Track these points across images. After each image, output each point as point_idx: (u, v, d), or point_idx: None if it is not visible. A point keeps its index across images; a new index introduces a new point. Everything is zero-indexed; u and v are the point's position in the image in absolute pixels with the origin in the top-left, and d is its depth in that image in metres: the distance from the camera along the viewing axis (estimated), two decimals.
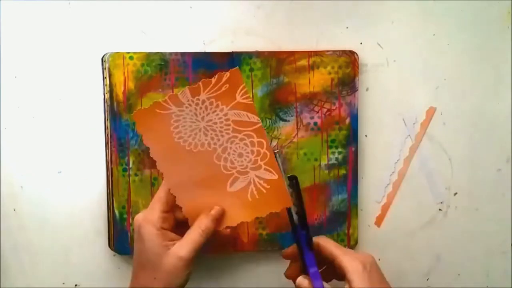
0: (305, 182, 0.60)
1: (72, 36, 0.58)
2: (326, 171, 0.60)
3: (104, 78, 0.58)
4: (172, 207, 0.52)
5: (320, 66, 0.59)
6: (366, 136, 0.61)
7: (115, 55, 0.57)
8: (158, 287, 0.49)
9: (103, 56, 0.58)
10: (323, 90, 0.59)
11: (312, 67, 0.59)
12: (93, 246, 0.60)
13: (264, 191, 0.52)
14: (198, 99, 0.50)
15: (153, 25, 0.59)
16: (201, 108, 0.50)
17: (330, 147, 0.60)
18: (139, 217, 0.51)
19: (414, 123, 0.62)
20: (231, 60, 0.58)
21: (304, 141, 0.60)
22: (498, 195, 0.63)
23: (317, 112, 0.59)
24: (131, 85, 0.58)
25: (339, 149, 0.60)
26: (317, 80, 0.59)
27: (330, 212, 0.60)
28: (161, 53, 0.58)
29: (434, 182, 0.62)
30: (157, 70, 0.58)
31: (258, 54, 0.58)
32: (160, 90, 0.58)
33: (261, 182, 0.52)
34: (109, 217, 0.59)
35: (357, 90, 0.59)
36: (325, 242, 0.52)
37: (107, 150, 0.58)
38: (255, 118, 0.51)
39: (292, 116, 0.59)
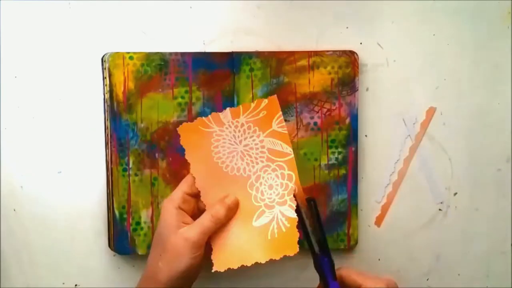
0: (305, 182, 0.60)
1: (72, 36, 0.58)
2: (326, 171, 0.60)
3: (104, 78, 0.58)
4: (196, 194, 0.52)
5: (320, 66, 0.59)
6: (366, 136, 0.61)
7: (115, 55, 0.57)
8: (162, 266, 0.49)
9: (103, 56, 0.58)
10: (323, 90, 0.59)
11: (312, 67, 0.59)
12: (93, 246, 0.60)
13: (284, 229, 0.52)
14: (237, 122, 0.52)
15: (153, 25, 0.59)
16: (239, 131, 0.52)
17: (330, 147, 0.60)
18: (165, 198, 0.52)
19: (414, 123, 0.62)
20: (231, 60, 0.58)
21: (304, 141, 0.60)
22: (498, 195, 0.63)
23: (317, 112, 0.59)
24: (131, 85, 0.58)
25: (339, 149, 0.60)
26: (317, 80, 0.59)
27: (330, 212, 0.60)
28: (161, 53, 0.58)
29: (434, 182, 0.62)
30: (157, 70, 0.58)
31: (258, 54, 0.58)
32: (160, 90, 0.58)
33: (283, 219, 0.52)
34: (109, 217, 0.59)
35: (357, 90, 0.60)
36: (347, 271, 0.52)
37: (107, 150, 0.58)
38: (288, 149, 0.53)
39: (292, 116, 0.59)
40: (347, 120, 0.60)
